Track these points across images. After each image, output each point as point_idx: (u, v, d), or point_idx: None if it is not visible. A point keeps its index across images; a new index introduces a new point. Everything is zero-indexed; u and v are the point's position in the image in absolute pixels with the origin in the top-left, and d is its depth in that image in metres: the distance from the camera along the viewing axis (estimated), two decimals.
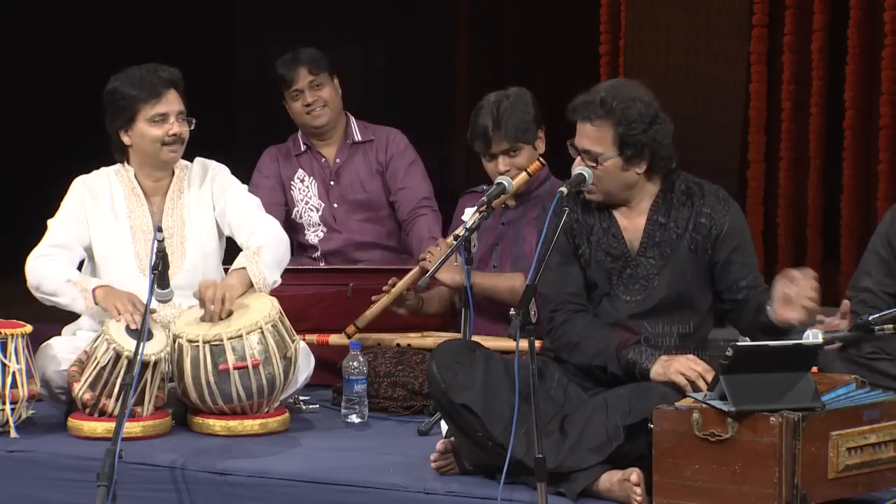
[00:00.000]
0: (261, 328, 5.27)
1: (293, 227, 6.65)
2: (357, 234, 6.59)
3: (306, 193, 6.63)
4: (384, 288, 5.81)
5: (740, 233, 4.70)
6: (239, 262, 5.46)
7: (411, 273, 5.73)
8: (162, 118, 5.49)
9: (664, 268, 4.68)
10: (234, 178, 5.70)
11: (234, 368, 5.22)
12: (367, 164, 6.64)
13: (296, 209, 6.66)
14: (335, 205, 6.62)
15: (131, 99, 5.48)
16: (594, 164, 4.64)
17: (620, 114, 4.61)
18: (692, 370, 4.43)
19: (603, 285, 4.72)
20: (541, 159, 5.61)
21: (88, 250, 5.56)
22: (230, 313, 5.31)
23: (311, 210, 6.63)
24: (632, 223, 4.73)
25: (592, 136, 4.64)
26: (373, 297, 5.84)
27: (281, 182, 6.67)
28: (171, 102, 5.50)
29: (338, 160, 6.65)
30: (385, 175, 6.63)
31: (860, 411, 4.29)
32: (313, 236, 6.64)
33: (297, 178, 6.66)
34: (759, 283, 4.68)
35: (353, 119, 6.71)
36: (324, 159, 6.66)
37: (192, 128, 5.56)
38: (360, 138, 6.67)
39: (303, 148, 6.69)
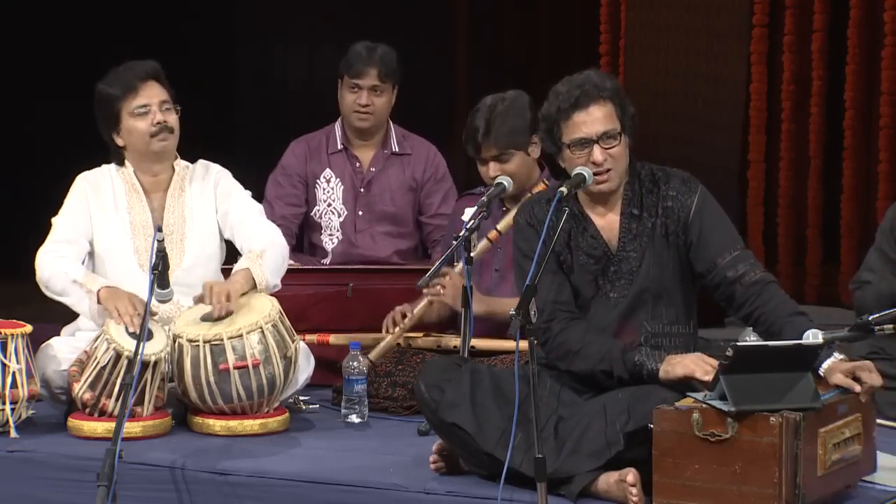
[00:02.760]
0: (261, 328, 5.27)
1: (309, 226, 6.58)
2: (373, 250, 6.47)
3: (331, 195, 6.52)
4: (396, 320, 5.73)
5: (709, 212, 4.67)
6: (242, 263, 5.47)
7: (421, 305, 5.66)
8: (144, 109, 5.50)
9: (644, 258, 4.68)
10: (237, 182, 5.70)
11: (235, 368, 5.22)
12: (401, 178, 6.53)
13: (316, 208, 6.55)
14: (360, 212, 6.52)
15: (111, 98, 5.51)
16: (614, 143, 4.63)
17: (614, 89, 4.66)
18: (701, 366, 4.41)
19: (588, 290, 4.69)
20: (545, 180, 5.60)
21: (91, 244, 5.57)
22: (230, 312, 5.32)
23: (332, 213, 6.53)
24: (607, 221, 4.72)
25: (604, 116, 4.62)
26: (387, 330, 5.75)
27: (305, 181, 6.54)
28: (151, 94, 5.51)
29: (372, 169, 6.53)
30: (418, 193, 6.54)
31: (835, 406, 4.31)
32: (328, 240, 6.54)
33: (324, 177, 6.55)
34: (744, 263, 4.60)
35: (393, 127, 6.58)
36: (358, 164, 6.54)
37: (178, 114, 5.55)
38: (397, 149, 6.55)
39: (339, 147, 6.56)
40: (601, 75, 4.73)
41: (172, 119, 5.55)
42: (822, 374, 4.38)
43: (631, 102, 4.72)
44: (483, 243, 5.53)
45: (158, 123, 5.51)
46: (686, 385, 4.43)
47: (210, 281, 5.37)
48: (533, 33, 9.96)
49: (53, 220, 5.56)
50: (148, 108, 5.50)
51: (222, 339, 5.23)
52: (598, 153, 4.62)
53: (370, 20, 9.45)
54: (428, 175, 6.55)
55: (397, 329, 5.72)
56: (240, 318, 5.30)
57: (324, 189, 6.55)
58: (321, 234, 6.56)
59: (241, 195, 5.67)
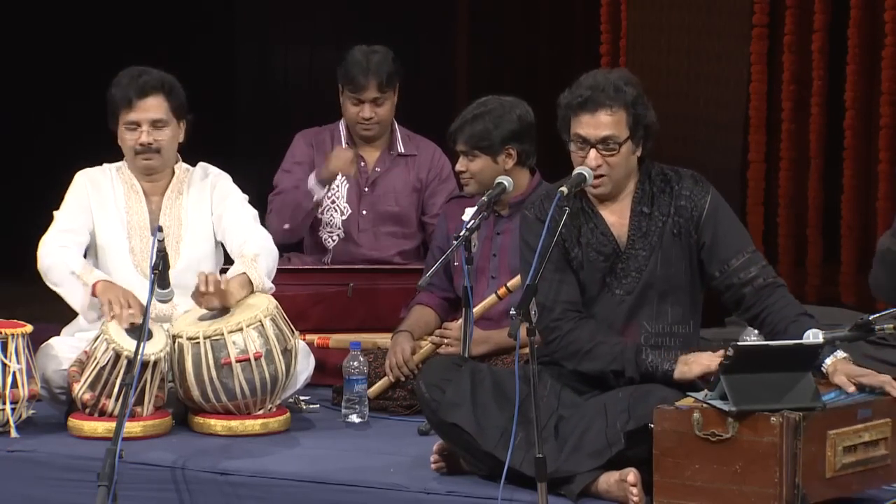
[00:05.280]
0: (260, 321, 5.27)
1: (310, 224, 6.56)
2: (376, 249, 6.44)
3: (334, 193, 6.44)
4: (399, 363, 5.62)
5: (723, 213, 4.68)
6: (237, 268, 5.47)
7: (424, 349, 5.62)
8: (133, 125, 5.51)
9: (652, 255, 4.67)
10: (235, 186, 5.70)
11: (237, 361, 5.22)
12: (405, 179, 6.49)
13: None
14: (364, 212, 6.48)
15: (115, 102, 5.53)
16: (613, 152, 4.63)
17: (631, 97, 4.63)
18: (716, 362, 4.40)
19: (595, 287, 4.69)
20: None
21: (92, 238, 5.58)
22: (227, 310, 5.32)
23: (335, 210, 6.48)
24: (618, 219, 4.72)
25: (610, 122, 4.62)
26: (390, 370, 5.65)
27: (313, 169, 6.44)
28: (146, 110, 5.49)
29: (378, 169, 6.49)
30: (422, 193, 6.51)
31: (854, 410, 4.30)
32: (329, 238, 6.50)
33: None
34: (756, 266, 4.61)
35: (398, 128, 6.54)
36: (363, 164, 6.48)
37: (186, 125, 5.53)
38: (403, 150, 6.51)
39: (344, 147, 6.47)
40: (624, 79, 4.68)
41: (163, 137, 5.52)
42: (824, 370, 4.38)
43: (651, 109, 4.69)
44: (490, 299, 5.52)
45: (142, 144, 5.50)
46: (690, 385, 4.44)
47: (203, 272, 5.36)
48: (533, 33, 9.96)
49: (55, 213, 5.57)
50: (135, 127, 5.50)
51: (222, 334, 5.24)
52: (592, 157, 4.63)
53: (370, 20, 9.45)
54: (432, 175, 6.53)
55: (401, 370, 5.63)
56: (238, 313, 5.31)
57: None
58: (321, 230, 6.53)
59: (236, 199, 5.66)
